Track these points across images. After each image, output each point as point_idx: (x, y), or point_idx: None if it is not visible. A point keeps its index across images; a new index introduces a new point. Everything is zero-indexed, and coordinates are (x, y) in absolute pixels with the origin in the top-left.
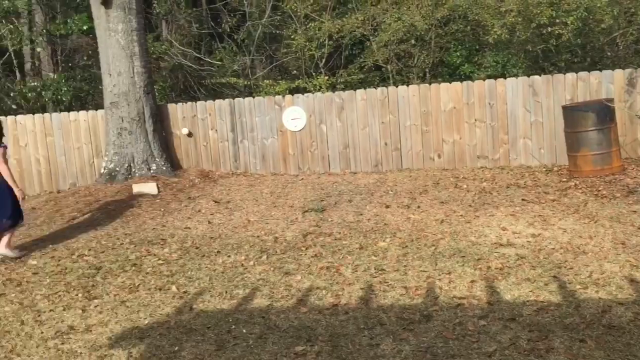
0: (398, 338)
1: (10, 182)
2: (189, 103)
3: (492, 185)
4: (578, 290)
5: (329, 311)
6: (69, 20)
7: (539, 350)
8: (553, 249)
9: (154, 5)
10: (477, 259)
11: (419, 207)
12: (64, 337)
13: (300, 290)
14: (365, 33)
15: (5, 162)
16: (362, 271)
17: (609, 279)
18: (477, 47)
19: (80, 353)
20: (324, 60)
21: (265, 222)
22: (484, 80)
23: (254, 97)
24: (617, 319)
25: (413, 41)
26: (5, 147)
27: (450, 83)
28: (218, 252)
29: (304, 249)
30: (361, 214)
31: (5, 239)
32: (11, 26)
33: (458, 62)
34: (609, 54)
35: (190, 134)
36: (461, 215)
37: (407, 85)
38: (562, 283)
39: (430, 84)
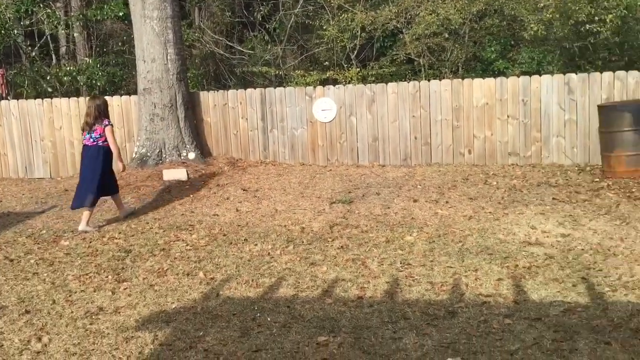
0: (421, 333)
1: (116, 157)
2: (220, 91)
3: (522, 183)
4: (606, 293)
5: (354, 303)
6: (105, 6)
7: (562, 350)
8: (583, 249)
9: None
10: (504, 257)
11: (447, 202)
12: (93, 317)
13: (326, 282)
14: (398, 25)
15: (114, 139)
16: (388, 265)
17: (639, 282)
18: (512, 42)
19: (108, 334)
20: (355, 52)
21: (292, 212)
22: (518, 76)
23: (284, 87)
24: None
25: (446, 35)
26: (112, 125)
27: (483, 79)
28: (245, 240)
29: (330, 240)
30: (389, 207)
31: (86, 214)
32: (48, 10)
33: (492, 57)
34: None
35: None
36: (490, 212)
37: (440, 80)
38: (591, 285)
39: (463, 79)
